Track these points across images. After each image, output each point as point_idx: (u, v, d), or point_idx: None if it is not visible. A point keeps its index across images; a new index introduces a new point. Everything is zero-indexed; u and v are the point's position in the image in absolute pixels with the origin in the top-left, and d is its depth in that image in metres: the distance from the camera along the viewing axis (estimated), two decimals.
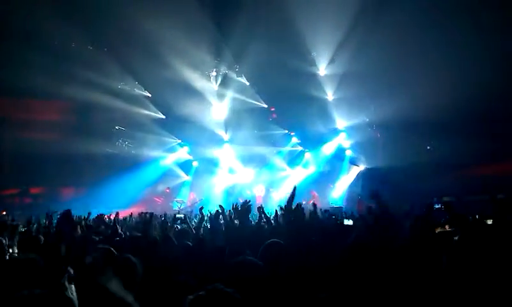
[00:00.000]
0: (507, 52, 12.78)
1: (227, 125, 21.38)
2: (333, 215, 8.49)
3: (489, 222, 4.63)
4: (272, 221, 6.14)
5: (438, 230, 4.65)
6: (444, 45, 13.99)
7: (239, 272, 2.39)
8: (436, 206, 4.78)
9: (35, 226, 6.82)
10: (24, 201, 18.31)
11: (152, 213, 6.30)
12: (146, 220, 5.57)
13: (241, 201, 4.96)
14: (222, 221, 5.56)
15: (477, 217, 5.62)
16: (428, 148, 17.57)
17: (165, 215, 8.65)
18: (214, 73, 19.15)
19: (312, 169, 21.30)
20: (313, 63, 17.78)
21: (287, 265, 2.97)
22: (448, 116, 14.49)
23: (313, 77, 18.22)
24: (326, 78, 18.25)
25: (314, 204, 6.09)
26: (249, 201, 4.83)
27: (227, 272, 2.43)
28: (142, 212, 6.33)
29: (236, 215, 4.75)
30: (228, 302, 1.67)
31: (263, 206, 6.25)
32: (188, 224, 6.70)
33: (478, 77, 12.89)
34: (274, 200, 19.94)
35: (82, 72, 16.16)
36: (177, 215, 7.77)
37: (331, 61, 17.40)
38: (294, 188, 4.40)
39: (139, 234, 5.16)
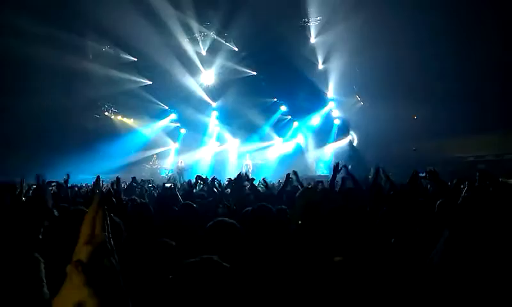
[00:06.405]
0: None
1: (215, 92, 21.10)
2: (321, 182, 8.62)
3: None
4: (260, 189, 6.33)
5: None
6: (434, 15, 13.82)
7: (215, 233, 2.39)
8: (421, 175, 4.83)
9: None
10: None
11: (98, 177, 6.05)
12: (95, 183, 5.66)
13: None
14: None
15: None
16: (415, 117, 17.65)
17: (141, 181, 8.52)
18: (203, 38, 18.64)
19: (300, 139, 21.35)
20: (304, 29, 17.45)
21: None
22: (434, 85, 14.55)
23: (304, 44, 17.93)
24: (316, 45, 17.97)
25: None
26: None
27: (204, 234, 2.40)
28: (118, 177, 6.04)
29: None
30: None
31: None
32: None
33: (464, 46, 12.86)
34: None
35: (65, 36, 15.56)
36: (166, 184, 7.74)
37: (323, 27, 17.09)
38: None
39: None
